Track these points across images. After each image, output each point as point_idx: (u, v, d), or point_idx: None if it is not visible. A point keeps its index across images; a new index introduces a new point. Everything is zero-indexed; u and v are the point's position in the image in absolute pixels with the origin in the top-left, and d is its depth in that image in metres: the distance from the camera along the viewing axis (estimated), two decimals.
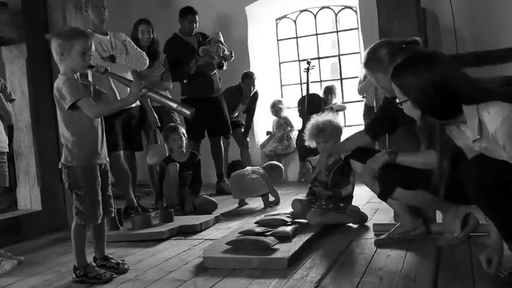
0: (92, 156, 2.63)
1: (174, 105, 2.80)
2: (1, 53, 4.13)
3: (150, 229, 3.60)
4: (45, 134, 3.98)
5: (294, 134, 6.43)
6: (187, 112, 2.72)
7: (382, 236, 2.92)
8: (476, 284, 2.08)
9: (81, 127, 2.59)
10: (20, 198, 4.19)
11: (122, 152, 4.42)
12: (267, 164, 4.81)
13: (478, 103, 1.90)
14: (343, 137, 3.44)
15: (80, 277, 2.60)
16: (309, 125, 3.54)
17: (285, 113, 6.55)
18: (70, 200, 2.74)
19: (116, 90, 2.74)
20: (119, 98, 2.76)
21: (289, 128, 6.49)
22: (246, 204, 4.63)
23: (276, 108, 6.50)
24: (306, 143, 3.55)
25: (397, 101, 2.06)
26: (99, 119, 2.67)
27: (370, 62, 2.71)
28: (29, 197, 4.12)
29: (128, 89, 2.62)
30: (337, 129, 3.47)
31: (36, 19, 4.02)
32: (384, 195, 2.81)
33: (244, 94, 6.14)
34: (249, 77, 6.12)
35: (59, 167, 2.67)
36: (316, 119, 3.53)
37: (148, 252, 3.16)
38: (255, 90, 6.22)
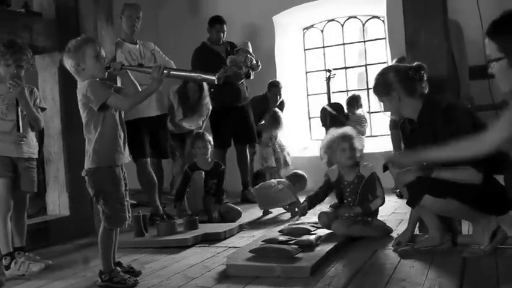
0: (118, 156, 2.68)
1: (198, 75, 2.87)
2: (35, 61, 4.25)
3: (174, 236, 3.64)
4: (75, 141, 4.04)
5: None
6: (212, 77, 2.78)
7: (407, 247, 2.90)
8: None
9: (107, 127, 2.65)
10: (49, 203, 4.28)
11: (148, 159, 4.47)
12: (291, 173, 4.81)
13: None
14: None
15: (105, 281, 2.64)
16: (328, 136, 3.56)
17: None
18: (97, 206, 2.79)
19: (137, 83, 2.78)
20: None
21: None
22: (270, 213, 4.63)
23: None
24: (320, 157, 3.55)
25: (492, 58, 1.96)
26: (120, 119, 2.72)
27: (375, 87, 2.87)
28: (57, 202, 4.21)
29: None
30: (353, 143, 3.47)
31: (68, 28, 4.11)
32: (412, 202, 2.78)
33: (270, 103, 6.17)
34: (275, 86, 6.14)
35: (83, 174, 2.70)
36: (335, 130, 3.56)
37: (173, 258, 3.19)
38: (281, 100, 6.24)
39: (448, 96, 2.91)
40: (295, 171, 4.88)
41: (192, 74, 2.96)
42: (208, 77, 2.85)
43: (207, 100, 5.23)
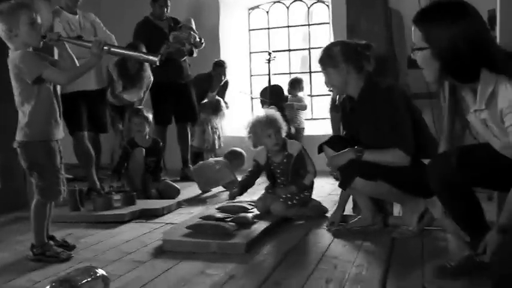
0: (52, 131, 2.60)
1: (139, 55, 2.82)
2: None
3: (111, 211, 3.59)
4: (6, 111, 3.91)
5: None
6: (154, 58, 2.74)
7: (340, 227, 3.00)
8: (425, 274, 2.17)
9: (41, 101, 2.55)
10: None
11: (85, 132, 4.37)
12: (229, 150, 4.84)
13: (500, 73, 1.78)
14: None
15: (37, 255, 2.58)
16: (253, 120, 3.57)
17: None
18: (30, 179, 2.71)
19: (74, 56, 2.69)
20: (77, 64, 2.70)
21: None
22: (210, 191, 4.66)
23: None
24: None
25: (416, 46, 1.90)
26: (55, 92, 2.63)
27: (323, 58, 2.86)
28: None
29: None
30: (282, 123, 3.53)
31: None
32: (343, 185, 2.88)
33: (214, 83, 6.14)
34: (220, 66, 6.11)
35: (14, 146, 2.61)
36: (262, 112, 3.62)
37: (109, 233, 3.16)
38: (225, 80, 6.23)
39: (389, 80, 2.99)
40: (233, 148, 4.90)
41: (134, 53, 2.89)
42: (150, 57, 2.81)
43: (148, 72, 5.14)
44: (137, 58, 2.83)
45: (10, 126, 2.67)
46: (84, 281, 1.72)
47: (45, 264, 2.52)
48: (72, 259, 2.59)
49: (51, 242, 2.66)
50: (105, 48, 2.54)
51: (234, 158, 4.69)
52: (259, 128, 3.48)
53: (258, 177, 3.70)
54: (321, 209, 3.49)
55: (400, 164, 2.68)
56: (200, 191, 4.65)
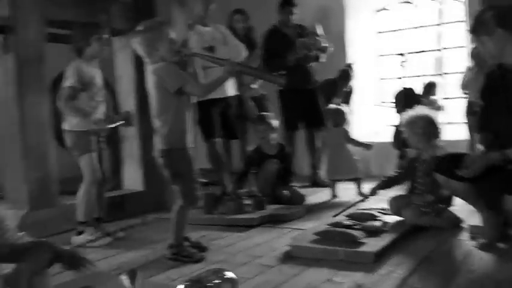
0: (188, 139, 2.78)
1: (268, 77, 2.94)
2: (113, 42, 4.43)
3: (242, 215, 3.72)
4: (149, 119, 4.23)
5: None
6: (280, 82, 2.86)
7: (481, 240, 2.77)
8: None
9: (180, 110, 2.74)
10: (124, 178, 4.50)
11: (218, 139, 4.56)
12: None
13: None
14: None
15: (174, 254, 2.75)
16: (404, 117, 3.46)
17: None
18: (169, 184, 2.90)
19: (201, 71, 2.86)
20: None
21: None
22: (338, 197, 4.61)
23: None
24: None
25: None
26: (189, 103, 2.80)
27: (475, 26, 2.60)
28: (132, 178, 4.41)
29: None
30: (433, 123, 3.35)
31: (144, 11, 4.25)
32: (493, 207, 2.61)
33: (339, 88, 6.09)
34: (346, 74, 6.05)
35: (156, 155, 2.81)
36: (412, 112, 3.45)
37: (239, 237, 3.27)
38: (350, 88, 6.14)
39: None
40: None
41: (262, 75, 3.07)
42: (276, 80, 2.94)
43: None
44: (264, 78, 3.02)
45: (152, 135, 2.87)
46: (213, 282, 1.79)
47: (181, 263, 2.68)
48: (204, 260, 2.72)
49: (186, 243, 2.82)
50: (238, 67, 2.69)
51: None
52: (413, 124, 3.35)
53: (403, 181, 3.55)
54: (456, 221, 3.27)
55: None
56: (329, 198, 4.60)
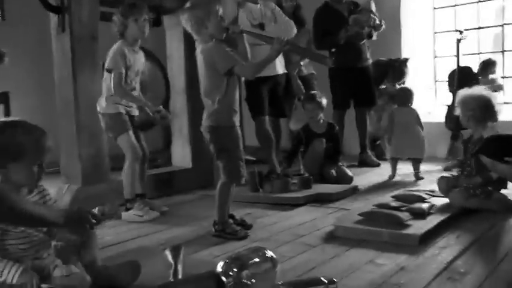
0: (235, 118, 2.80)
1: (315, 55, 2.93)
2: (163, 21, 4.48)
3: (288, 194, 3.73)
4: (198, 97, 4.27)
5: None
6: (327, 61, 2.88)
7: None
8: None
9: (229, 90, 2.76)
10: (174, 155, 4.59)
11: (266, 117, 4.56)
12: None
13: None
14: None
15: (218, 231, 2.80)
16: (458, 96, 3.35)
17: None
18: (216, 161, 2.93)
19: (248, 49, 2.85)
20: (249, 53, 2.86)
21: None
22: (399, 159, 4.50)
23: None
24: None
25: None
26: (239, 82, 2.81)
27: None
28: (181, 154, 4.49)
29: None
30: (486, 105, 3.22)
31: None
32: None
33: (389, 73, 5.95)
34: (401, 71, 5.91)
35: (202, 130, 2.84)
36: (467, 91, 3.33)
37: (284, 215, 3.28)
38: (403, 80, 5.98)
39: None
40: None
41: (310, 53, 3.11)
42: (323, 60, 2.97)
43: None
44: (311, 59, 3.04)
45: (201, 112, 2.90)
46: (253, 261, 1.81)
47: (225, 240, 2.73)
48: (248, 238, 2.75)
49: (231, 220, 2.86)
50: (286, 46, 2.67)
51: None
52: (466, 103, 3.26)
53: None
54: (507, 203, 3.17)
55: None
56: (388, 177, 4.51)
